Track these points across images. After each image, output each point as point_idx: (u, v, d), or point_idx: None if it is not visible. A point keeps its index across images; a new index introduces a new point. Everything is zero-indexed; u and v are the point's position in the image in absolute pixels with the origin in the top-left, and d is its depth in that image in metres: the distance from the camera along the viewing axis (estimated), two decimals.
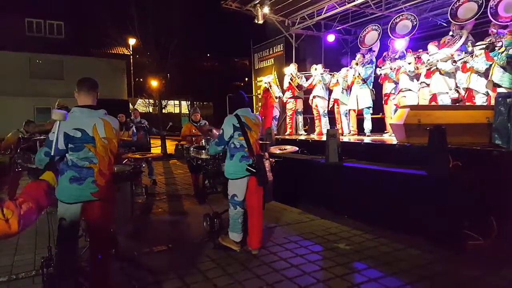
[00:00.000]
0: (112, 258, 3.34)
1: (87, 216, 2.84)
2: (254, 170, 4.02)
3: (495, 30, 6.42)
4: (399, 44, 8.35)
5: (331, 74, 9.10)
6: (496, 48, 5.73)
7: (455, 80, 6.83)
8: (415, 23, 8.07)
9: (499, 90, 5.70)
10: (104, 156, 2.79)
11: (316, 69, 9.10)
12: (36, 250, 4.07)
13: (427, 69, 7.03)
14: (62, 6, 21.64)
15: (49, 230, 3.07)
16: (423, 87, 7.33)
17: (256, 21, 10.05)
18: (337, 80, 8.81)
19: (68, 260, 2.89)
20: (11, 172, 5.73)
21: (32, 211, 1.61)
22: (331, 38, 10.88)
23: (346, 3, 8.93)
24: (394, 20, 8.42)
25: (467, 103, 6.48)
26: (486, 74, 6.10)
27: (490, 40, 6.07)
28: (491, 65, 5.93)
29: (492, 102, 5.40)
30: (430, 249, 4.09)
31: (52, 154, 2.69)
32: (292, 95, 9.40)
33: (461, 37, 6.98)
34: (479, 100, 6.26)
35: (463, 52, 6.77)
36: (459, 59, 6.53)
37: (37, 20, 21.97)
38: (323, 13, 9.92)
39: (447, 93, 6.79)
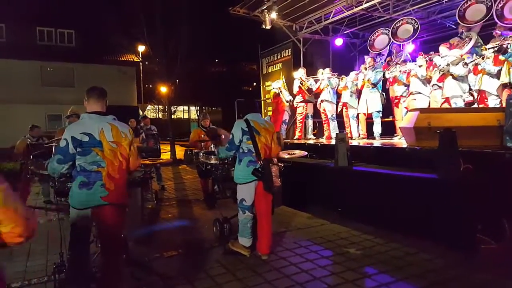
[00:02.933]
0: (123, 263, 3.36)
1: (98, 221, 2.86)
2: (260, 175, 4.03)
3: (499, 32, 6.38)
4: (407, 47, 8.33)
5: (339, 78, 9.08)
6: (509, 50, 5.67)
7: (468, 83, 6.76)
8: (416, 26, 8.04)
9: None
10: (113, 160, 2.82)
11: (322, 73, 9.10)
12: (48, 256, 4.12)
13: (440, 75, 6.96)
14: (72, 15, 22.02)
15: (61, 235, 3.11)
16: (435, 89, 7.26)
17: (264, 27, 10.09)
18: (346, 84, 8.79)
19: (80, 265, 2.92)
20: (22, 178, 5.82)
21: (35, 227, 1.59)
22: (339, 42, 10.88)
23: (354, 7, 8.92)
24: (394, 25, 8.45)
25: (480, 105, 6.41)
26: (498, 75, 6.03)
27: (500, 43, 6.01)
28: (501, 68, 5.87)
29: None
30: (441, 253, 4.04)
31: (65, 160, 2.74)
32: (302, 99, 9.39)
33: (470, 39, 6.92)
34: (492, 102, 6.18)
35: (473, 54, 6.71)
36: (470, 62, 6.47)
37: (48, 29, 22.37)
38: (330, 17, 9.93)
39: (461, 96, 6.71)
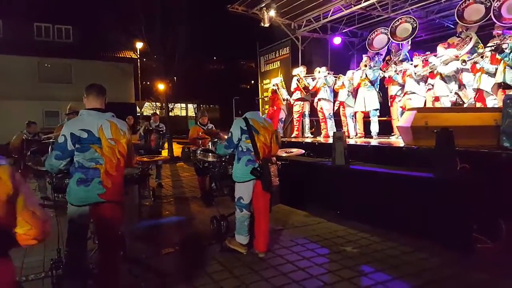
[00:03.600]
0: (120, 260, 3.37)
1: (96, 218, 2.86)
2: (259, 175, 4.03)
3: (500, 32, 6.38)
4: (404, 47, 8.34)
5: (336, 77, 9.09)
6: (506, 50, 5.70)
7: (456, 83, 6.80)
8: (415, 25, 8.05)
9: (508, 92, 5.64)
10: (111, 157, 2.82)
11: (319, 71, 9.10)
12: (45, 252, 4.11)
13: (430, 72, 7.00)
14: (70, 11, 21.92)
15: (58, 232, 3.11)
16: (430, 89, 7.30)
17: (262, 24, 10.07)
18: (343, 83, 8.80)
19: (77, 262, 2.92)
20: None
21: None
22: (337, 40, 10.88)
23: (352, 6, 8.92)
24: (393, 24, 8.44)
25: (477, 104, 6.43)
26: (496, 74, 6.05)
27: (497, 42, 6.02)
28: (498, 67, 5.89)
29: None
30: (438, 252, 4.06)
31: (63, 156, 2.73)
32: (299, 97, 9.41)
33: (471, 39, 6.93)
34: (490, 102, 6.21)
35: (472, 54, 6.73)
36: (469, 60, 6.49)
37: (46, 25, 22.25)
38: (329, 15, 9.92)
39: (447, 96, 6.76)
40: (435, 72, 6.93)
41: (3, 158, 1.49)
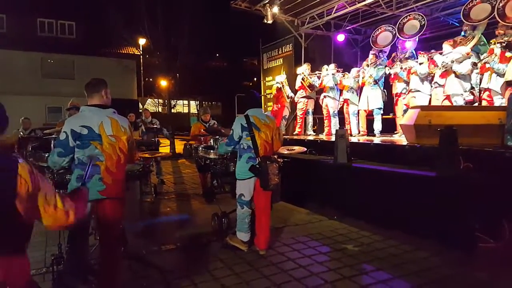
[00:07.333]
0: (121, 256, 3.36)
1: (97, 215, 2.86)
2: (257, 172, 4.01)
3: (502, 31, 6.32)
4: (409, 44, 8.28)
5: (342, 74, 9.03)
6: None
7: (470, 82, 6.73)
8: (423, 22, 8.00)
9: None
10: (111, 154, 2.80)
11: (327, 69, 9.05)
12: (46, 248, 4.12)
13: (443, 71, 6.93)
14: (74, 7, 21.93)
15: None
16: (436, 87, 7.23)
17: (266, 21, 10.04)
18: (348, 80, 8.74)
19: (78, 257, 2.92)
20: None
21: (83, 210, 1.83)
22: (341, 37, 10.83)
23: (357, 3, 8.87)
24: (401, 20, 8.38)
25: (484, 102, 6.38)
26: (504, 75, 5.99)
27: (506, 39, 5.95)
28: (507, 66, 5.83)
29: None
30: (440, 251, 4.04)
31: (65, 153, 2.72)
32: (304, 95, 9.37)
33: (473, 37, 6.88)
34: (498, 101, 6.15)
35: (477, 53, 6.67)
36: (479, 61, 6.43)
37: (49, 20, 22.27)
38: (333, 12, 9.88)
39: (462, 95, 6.68)
40: (447, 70, 6.84)
41: (20, 156, 1.53)
